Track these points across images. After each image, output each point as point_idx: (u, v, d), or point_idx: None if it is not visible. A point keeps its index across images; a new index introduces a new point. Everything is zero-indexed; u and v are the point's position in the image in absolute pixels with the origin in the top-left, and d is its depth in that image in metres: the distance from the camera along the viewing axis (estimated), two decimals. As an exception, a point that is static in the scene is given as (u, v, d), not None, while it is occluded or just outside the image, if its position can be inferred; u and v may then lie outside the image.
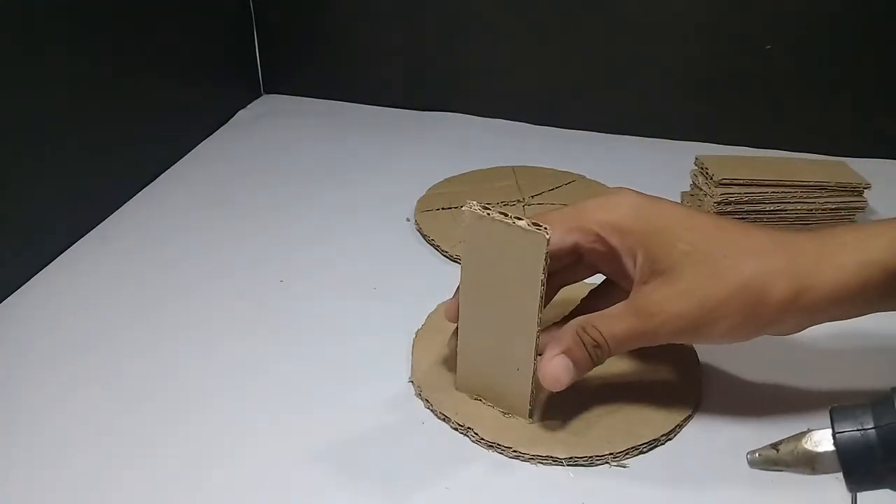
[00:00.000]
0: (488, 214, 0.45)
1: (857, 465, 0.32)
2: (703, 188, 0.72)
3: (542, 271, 0.44)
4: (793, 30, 0.85)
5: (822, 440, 0.33)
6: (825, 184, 0.70)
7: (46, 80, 0.67)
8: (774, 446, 0.35)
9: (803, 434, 0.34)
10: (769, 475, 0.47)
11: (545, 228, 0.44)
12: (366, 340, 0.59)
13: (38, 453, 0.49)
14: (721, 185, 0.69)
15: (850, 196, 0.71)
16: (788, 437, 0.34)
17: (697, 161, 0.74)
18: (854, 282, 0.43)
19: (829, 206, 0.71)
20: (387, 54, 1.00)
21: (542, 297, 0.45)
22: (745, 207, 0.70)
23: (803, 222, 0.71)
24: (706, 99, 0.91)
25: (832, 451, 0.33)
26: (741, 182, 0.69)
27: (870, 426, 0.32)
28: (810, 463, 0.33)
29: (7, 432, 0.51)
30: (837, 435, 0.32)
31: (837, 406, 0.33)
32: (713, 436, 0.50)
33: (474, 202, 0.46)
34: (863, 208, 0.72)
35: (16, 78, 0.64)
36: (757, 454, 0.36)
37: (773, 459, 0.35)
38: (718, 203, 0.69)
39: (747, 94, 0.89)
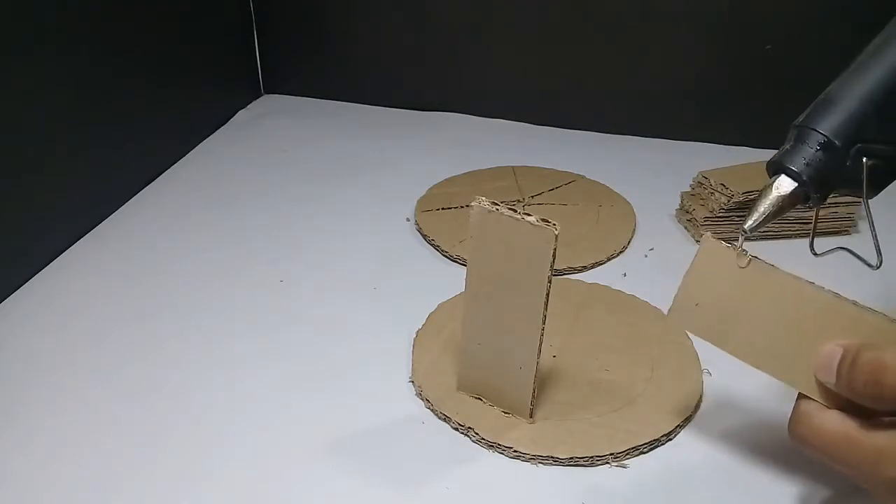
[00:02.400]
0: (497, 210, 0.45)
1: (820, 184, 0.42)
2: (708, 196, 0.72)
3: (549, 267, 0.44)
4: (793, 30, 0.85)
5: (782, 182, 0.43)
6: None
7: (46, 80, 0.67)
8: (753, 212, 0.43)
9: (766, 188, 0.43)
10: (769, 475, 0.48)
11: (553, 224, 0.44)
12: (366, 340, 0.59)
13: (38, 452, 0.49)
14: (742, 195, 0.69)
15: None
16: (758, 196, 0.43)
17: (700, 177, 0.74)
18: None
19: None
20: (387, 54, 1.00)
21: (548, 294, 0.45)
22: (749, 208, 0.70)
23: (801, 221, 0.71)
24: (706, 99, 0.91)
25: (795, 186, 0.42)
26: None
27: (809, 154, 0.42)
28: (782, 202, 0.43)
29: (7, 432, 0.51)
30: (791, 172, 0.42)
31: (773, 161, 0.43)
32: (713, 436, 0.50)
33: (482, 198, 0.46)
34: (858, 203, 0.72)
35: (16, 78, 0.64)
36: (751, 222, 0.43)
37: (760, 217, 0.43)
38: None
39: (747, 94, 0.89)
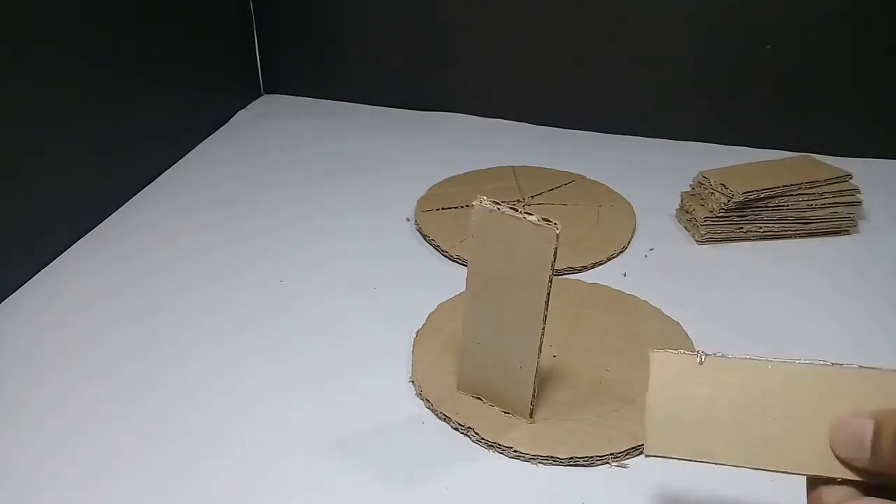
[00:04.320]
0: (498, 209, 0.45)
1: None
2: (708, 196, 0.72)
3: (550, 267, 0.44)
4: (793, 30, 0.85)
5: None
6: (816, 181, 0.71)
7: (47, 81, 0.67)
8: None
9: None
10: (769, 475, 0.47)
11: (555, 224, 0.44)
12: (366, 340, 0.59)
13: (38, 452, 0.49)
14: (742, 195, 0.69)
15: (840, 185, 0.72)
16: None
17: (700, 177, 0.74)
18: None
19: (825, 201, 0.71)
20: (387, 55, 1.00)
21: (548, 294, 0.45)
22: (749, 208, 0.70)
23: (802, 221, 0.72)
24: (706, 99, 0.91)
25: None
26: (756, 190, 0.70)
27: None
28: None
29: (7, 431, 0.51)
30: None
31: None
32: (713, 436, 0.50)
33: (484, 197, 0.46)
34: (858, 203, 0.72)
35: (16, 79, 0.64)
36: None
37: None
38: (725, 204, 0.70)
39: (747, 94, 0.89)
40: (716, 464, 0.36)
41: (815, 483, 0.35)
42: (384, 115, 1.01)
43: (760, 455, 0.36)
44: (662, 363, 0.37)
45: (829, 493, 0.33)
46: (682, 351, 0.36)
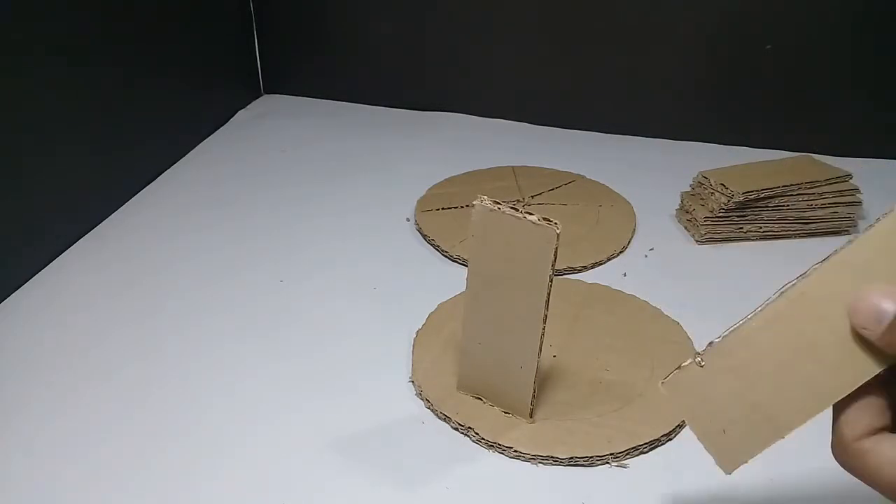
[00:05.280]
0: (498, 208, 0.45)
1: None
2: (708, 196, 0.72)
3: (550, 267, 0.44)
4: (793, 30, 0.85)
5: None
6: (816, 181, 0.71)
7: (47, 81, 0.67)
8: None
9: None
10: (769, 474, 0.48)
11: (555, 223, 0.44)
12: (366, 340, 0.59)
13: (38, 451, 0.49)
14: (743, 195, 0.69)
15: (840, 185, 0.72)
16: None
17: (700, 177, 0.74)
18: None
19: (825, 201, 0.71)
20: (387, 55, 1.00)
21: (549, 293, 0.45)
22: (749, 208, 0.70)
23: (802, 221, 0.72)
24: (706, 99, 0.91)
25: None
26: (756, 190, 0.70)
27: None
28: None
29: (7, 431, 0.51)
30: None
31: None
32: (713, 436, 0.50)
33: (484, 197, 0.46)
34: (858, 203, 0.72)
35: (16, 79, 0.64)
36: None
37: None
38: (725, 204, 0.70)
39: (747, 94, 0.89)
40: (790, 433, 0.34)
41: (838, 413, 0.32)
42: (384, 115, 1.01)
43: (813, 398, 0.33)
44: (676, 389, 0.36)
45: (849, 424, 0.31)
46: (678, 366, 0.35)
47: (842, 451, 0.32)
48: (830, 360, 0.32)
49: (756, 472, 0.48)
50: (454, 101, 1.00)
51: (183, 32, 0.87)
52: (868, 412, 0.31)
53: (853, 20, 0.83)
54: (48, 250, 0.69)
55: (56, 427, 0.51)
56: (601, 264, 0.69)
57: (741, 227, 0.71)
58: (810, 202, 0.71)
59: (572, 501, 0.46)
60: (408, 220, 0.76)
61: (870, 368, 0.31)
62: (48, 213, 0.69)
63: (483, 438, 0.49)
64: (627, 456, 0.48)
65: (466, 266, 0.49)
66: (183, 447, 0.49)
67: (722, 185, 0.70)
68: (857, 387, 0.32)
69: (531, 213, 0.44)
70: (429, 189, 0.81)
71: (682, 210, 0.75)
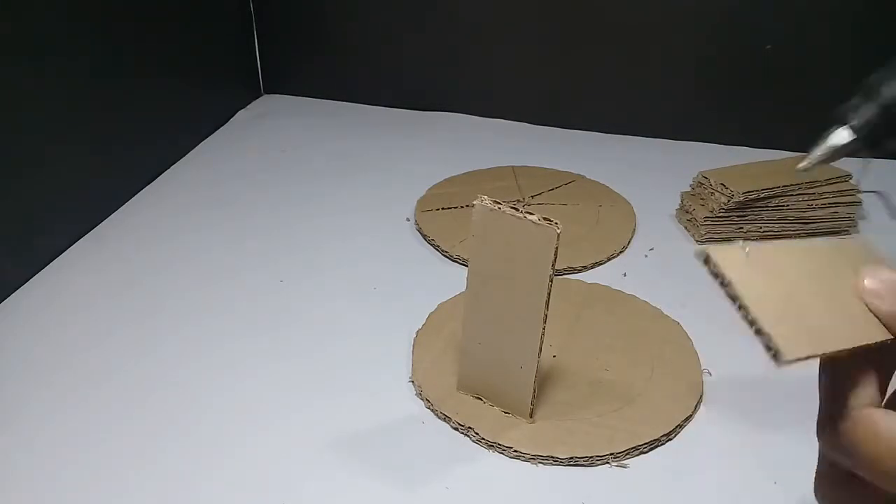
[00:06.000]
0: (499, 208, 0.45)
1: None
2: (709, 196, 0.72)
3: (550, 266, 0.44)
4: (793, 30, 0.85)
5: (840, 135, 0.49)
6: (816, 181, 0.71)
7: (47, 81, 0.67)
8: (809, 156, 0.51)
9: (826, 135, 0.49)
10: (770, 474, 0.48)
11: (556, 223, 0.44)
12: (366, 340, 0.59)
13: (38, 452, 0.49)
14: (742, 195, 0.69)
15: (840, 185, 0.72)
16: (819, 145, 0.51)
17: (700, 177, 0.74)
18: None
19: (825, 201, 0.71)
20: (387, 54, 1.00)
21: (549, 293, 0.45)
22: (749, 208, 0.70)
23: (802, 221, 0.72)
24: (706, 99, 0.91)
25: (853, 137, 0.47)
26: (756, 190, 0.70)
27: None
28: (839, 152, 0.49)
29: (7, 431, 0.51)
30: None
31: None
32: (713, 436, 0.50)
33: (485, 196, 0.46)
34: (858, 203, 0.72)
35: (16, 79, 0.64)
36: (805, 163, 0.50)
37: (814, 161, 0.49)
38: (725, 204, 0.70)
39: (747, 94, 0.89)
40: (833, 354, 0.30)
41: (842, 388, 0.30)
42: (384, 115, 1.01)
43: (855, 330, 0.31)
44: (725, 258, 0.30)
45: (856, 396, 0.30)
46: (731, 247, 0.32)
47: (843, 420, 0.29)
48: (861, 309, 0.31)
49: (756, 472, 0.48)
50: (454, 101, 1.00)
51: (183, 32, 0.87)
52: (872, 385, 0.30)
53: (853, 20, 0.83)
54: (48, 250, 0.69)
55: (56, 427, 0.51)
56: (601, 264, 0.69)
57: (741, 227, 0.71)
58: (810, 202, 0.71)
59: (572, 501, 0.46)
60: (408, 220, 0.76)
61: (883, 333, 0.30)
62: (48, 213, 0.69)
63: (483, 438, 0.49)
64: (627, 456, 0.48)
65: (466, 266, 0.49)
66: (183, 447, 0.49)
67: (722, 185, 0.70)
68: (885, 339, 0.30)
69: (531, 213, 0.44)
70: (429, 189, 0.81)
71: (682, 210, 0.75)
